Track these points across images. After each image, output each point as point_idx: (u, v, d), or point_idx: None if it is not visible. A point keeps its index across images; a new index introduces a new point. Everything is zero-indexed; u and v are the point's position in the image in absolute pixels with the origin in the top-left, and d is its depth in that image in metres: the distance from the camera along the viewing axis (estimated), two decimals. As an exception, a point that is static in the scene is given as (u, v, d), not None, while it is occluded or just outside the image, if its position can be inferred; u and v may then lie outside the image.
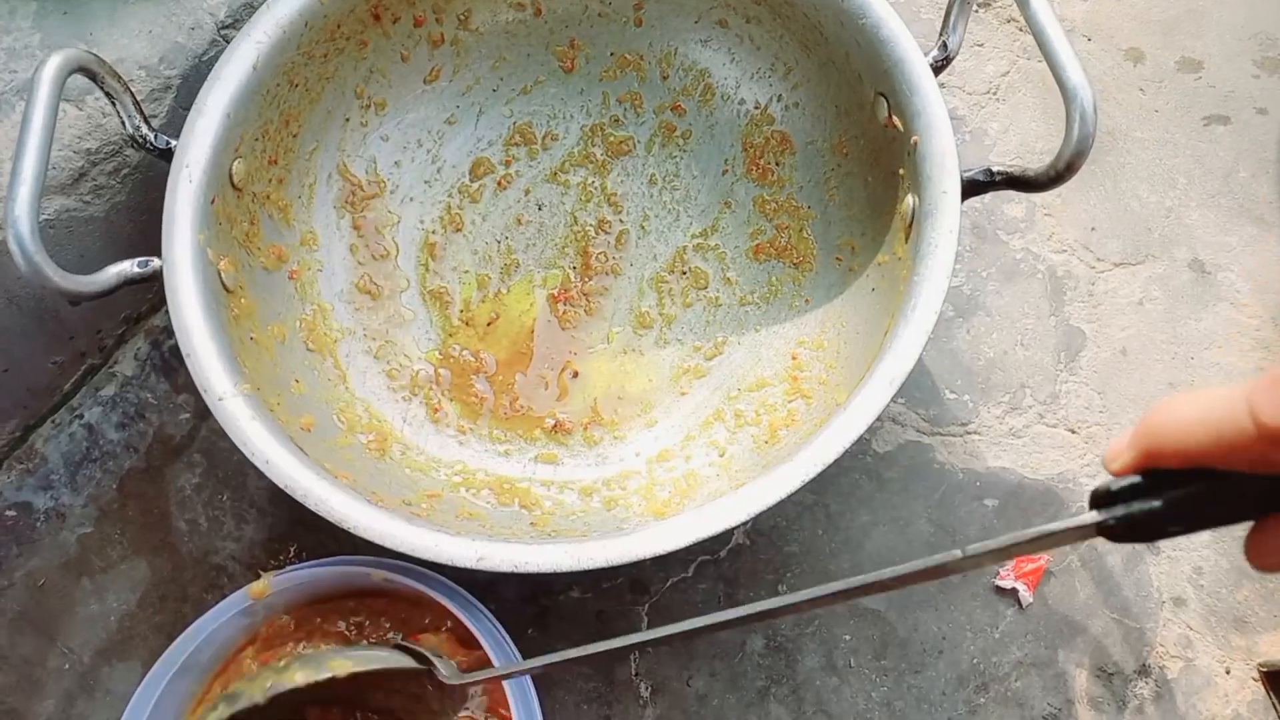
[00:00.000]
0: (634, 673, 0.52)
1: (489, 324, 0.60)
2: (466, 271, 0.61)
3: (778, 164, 0.62)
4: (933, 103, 0.50)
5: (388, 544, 0.42)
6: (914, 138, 0.50)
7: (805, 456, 0.43)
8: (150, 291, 0.61)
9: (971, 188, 0.50)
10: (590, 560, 0.42)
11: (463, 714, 0.47)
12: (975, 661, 0.52)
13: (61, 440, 0.58)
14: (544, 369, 0.59)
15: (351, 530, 0.42)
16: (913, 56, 0.52)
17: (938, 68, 0.52)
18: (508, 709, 0.45)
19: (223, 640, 0.46)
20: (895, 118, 0.52)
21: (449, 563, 0.42)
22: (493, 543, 0.42)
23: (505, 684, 0.43)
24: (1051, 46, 0.46)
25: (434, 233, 0.62)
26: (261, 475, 0.57)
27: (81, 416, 0.59)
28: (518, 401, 0.58)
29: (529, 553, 0.42)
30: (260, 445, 0.44)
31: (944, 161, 0.49)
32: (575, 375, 0.59)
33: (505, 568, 0.41)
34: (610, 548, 0.42)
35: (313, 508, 0.43)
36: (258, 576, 0.48)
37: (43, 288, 0.44)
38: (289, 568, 0.46)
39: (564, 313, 0.60)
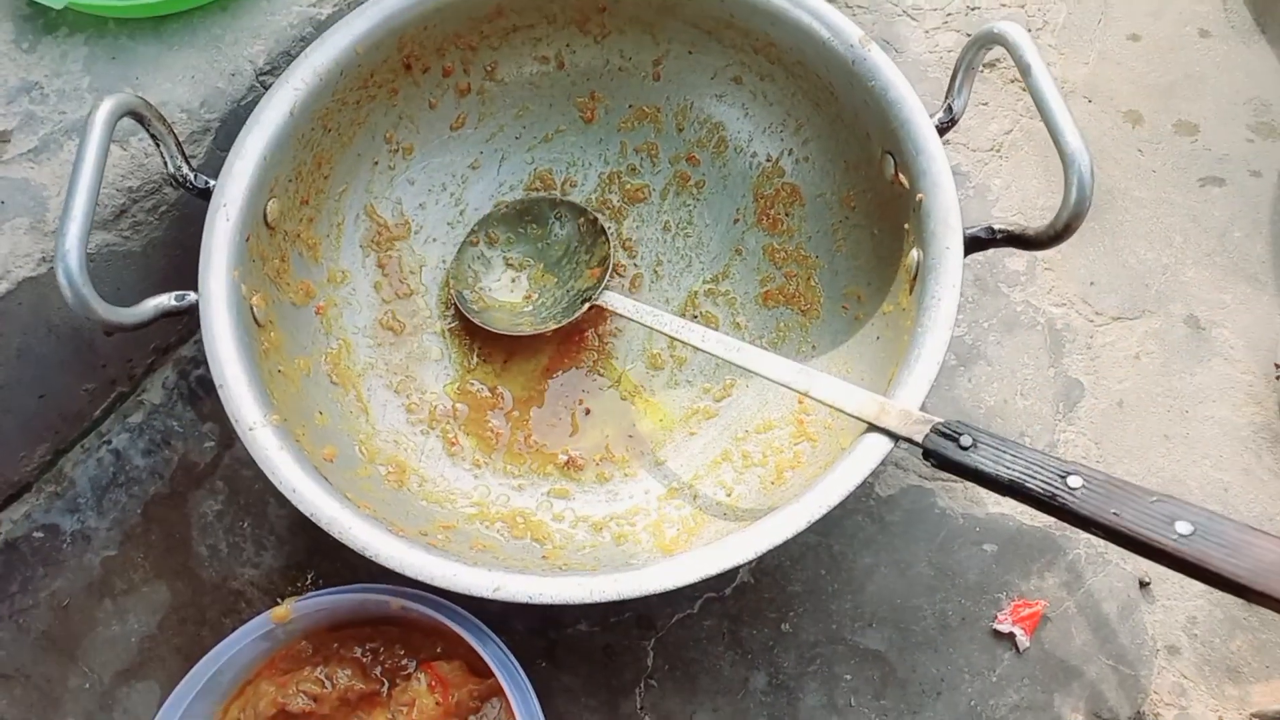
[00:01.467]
0: (639, 706, 0.53)
1: (505, 361, 0.62)
2: (485, 311, 0.63)
3: (787, 214, 0.64)
4: (938, 162, 0.53)
5: (407, 572, 0.44)
6: (919, 195, 0.53)
7: (811, 498, 0.45)
8: (179, 323, 0.64)
9: (974, 244, 0.52)
10: (602, 593, 0.43)
11: None
12: (973, 704, 0.53)
13: (90, 465, 0.60)
14: (558, 406, 0.61)
15: (373, 558, 0.44)
16: (919, 119, 0.54)
17: (943, 128, 0.55)
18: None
19: (243, 664, 0.48)
20: (901, 175, 0.55)
21: (466, 592, 0.43)
22: (509, 574, 0.44)
23: (516, 708, 0.44)
24: (1051, 113, 0.49)
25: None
26: (282, 504, 0.59)
27: (110, 442, 0.61)
28: (531, 437, 0.60)
29: (543, 584, 0.44)
30: (287, 474, 0.46)
31: (948, 219, 0.51)
32: (588, 413, 0.60)
33: (520, 598, 0.43)
34: (621, 581, 0.44)
35: (337, 535, 0.45)
36: (276, 602, 0.49)
37: (86, 318, 0.46)
38: (310, 594, 0.48)
39: (578, 351, 0.62)
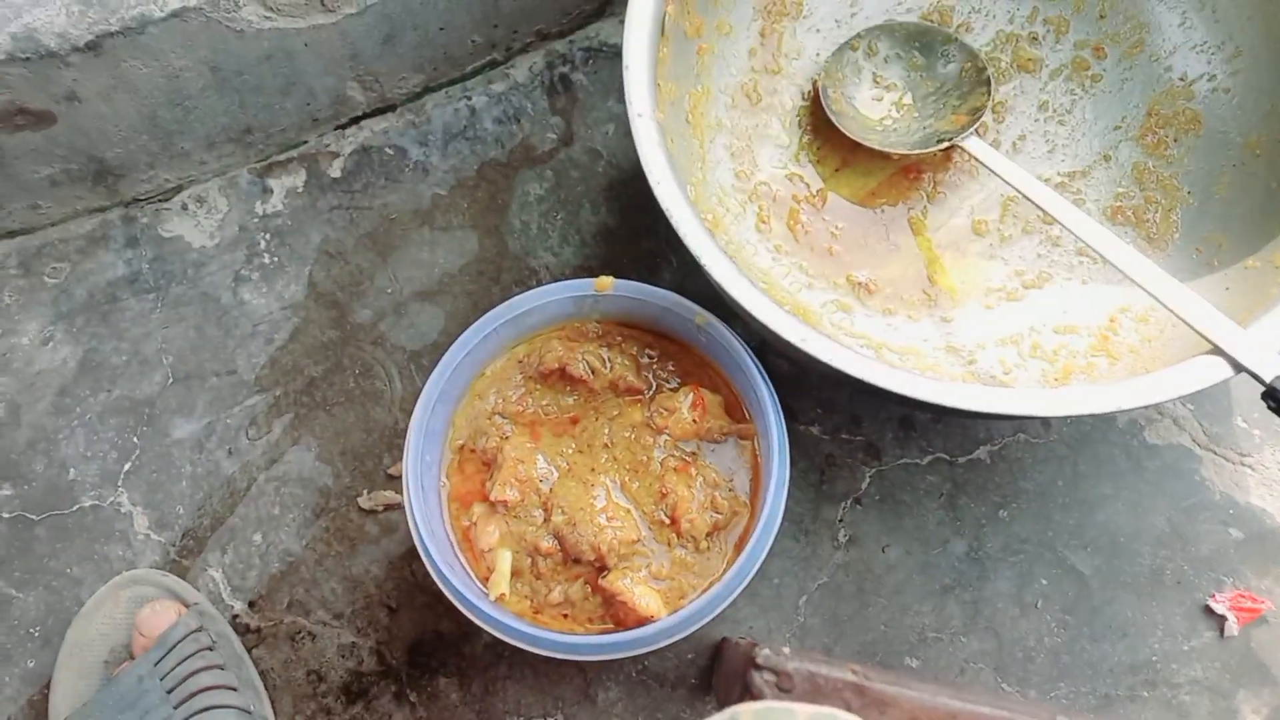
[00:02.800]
0: (839, 518, 0.56)
1: (837, 169, 0.63)
2: (836, 116, 0.64)
3: (1175, 140, 0.60)
4: (1397, 132, 0.48)
5: (730, 289, 0.46)
6: (1358, 159, 0.49)
7: (1142, 383, 0.44)
8: (565, 16, 0.67)
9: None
10: (889, 382, 0.45)
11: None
12: (1154, 659, 0.53)
13: (447, 111, 0.66)
14: (870, 229, 0.61)
15: (700, 256, 0.47)
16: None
17: None
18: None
19: (547, 315, 0.52)
20: (1343, 135, 0.50)
21: (769, 325, 0.46)
22: (815, 331, 0.46)
23: (773, 445, 0.48)
24: None
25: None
26: (594, 210, 0.63)
27: (470, 99, 0.66)
28: (835, 247, 0.61)
29: (838, 352, 0.46)
30: (656, 166, 0.49)
31: (1386, 191, 0.47)
32: (896, 248, 0.61)
33: (820, 355, 0.45)
34: (907, 381, 0.45)
35: (678, 228, 0.48)
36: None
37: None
38: (628, 282, 0.52)
39: (908, 188, 0.62)
